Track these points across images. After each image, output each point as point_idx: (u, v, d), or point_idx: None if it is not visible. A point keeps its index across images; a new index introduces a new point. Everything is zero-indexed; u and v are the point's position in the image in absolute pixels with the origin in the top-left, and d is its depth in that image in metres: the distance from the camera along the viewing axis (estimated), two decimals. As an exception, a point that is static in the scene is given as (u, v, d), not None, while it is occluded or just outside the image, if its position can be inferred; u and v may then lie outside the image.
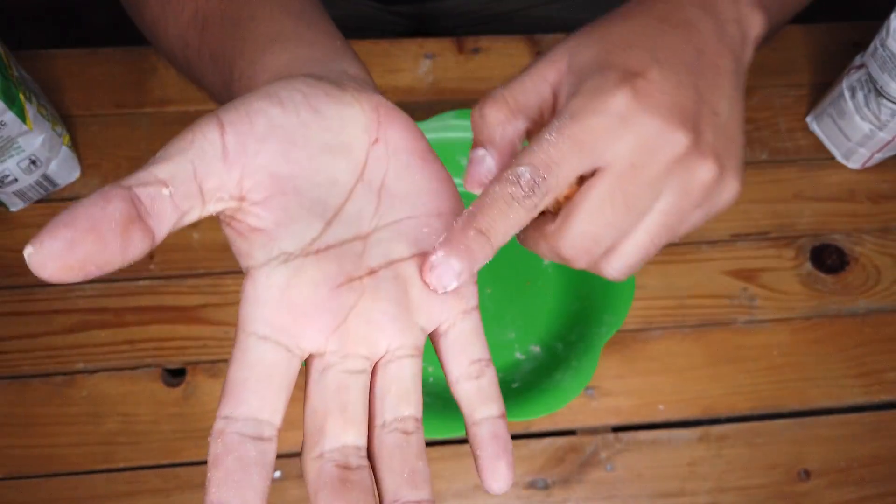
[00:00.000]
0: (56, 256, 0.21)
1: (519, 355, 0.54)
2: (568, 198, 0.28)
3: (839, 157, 0.62)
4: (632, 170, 0.27)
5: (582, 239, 0.28)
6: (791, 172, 0.62)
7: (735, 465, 0.52)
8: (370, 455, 0.25)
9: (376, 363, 0.26)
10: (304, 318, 0.25)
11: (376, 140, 0.28)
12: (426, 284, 0.27)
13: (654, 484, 0.51)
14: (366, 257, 0.27)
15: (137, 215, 0.22)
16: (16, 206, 0.57)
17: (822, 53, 0.67)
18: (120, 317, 0.55)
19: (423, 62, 0.65)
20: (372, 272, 0.26)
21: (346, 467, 0.24)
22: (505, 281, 0.56)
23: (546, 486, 0.51)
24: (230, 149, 0.25)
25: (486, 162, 0.30)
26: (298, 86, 0.27)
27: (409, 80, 0.64)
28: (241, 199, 0.25)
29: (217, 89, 0.37)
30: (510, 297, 0.56)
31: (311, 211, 0.26)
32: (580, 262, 0.29)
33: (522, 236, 0.30)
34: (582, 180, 0.28)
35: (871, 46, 0.55)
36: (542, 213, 0.29)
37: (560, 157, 0.26)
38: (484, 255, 0.26)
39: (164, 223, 0.23)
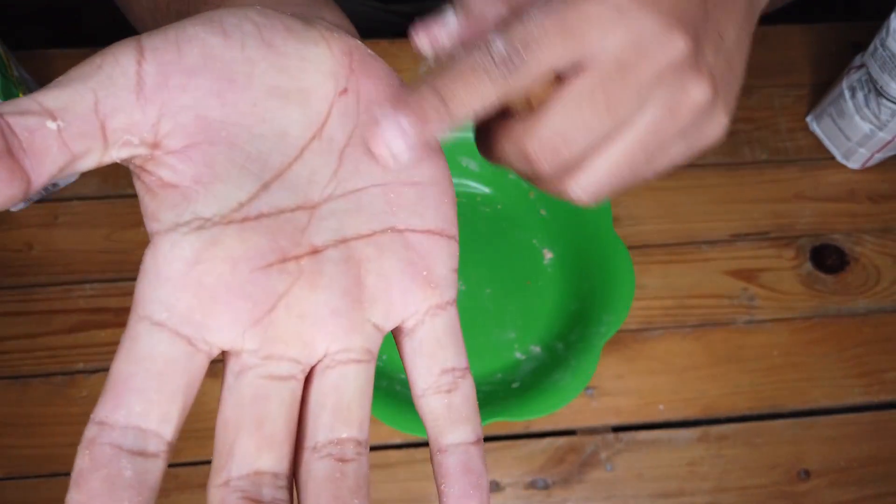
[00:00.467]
0: None
1: (519, 355, 0.54)
2: (541, 101, 0.24)
3: (839, 157, 0.62)
4: (619, 69, 0.22)
5: (552, 136, 0.23)
6: (791, 172, 0.62)
7: (735, 465, 0.52)
8: (297, 486, 0.20)
9: (312, 369, 0.21)
10: (214, 304, 0.19)
11: (345, 90, 0.23)
12: (373, 154, 0.22)
13: (654, 484, 0.51)
14: (310, 232, 0.21)
15: (7, 149, 0.17)
16: (16, 206, 0.58)
17: (822, 53, 0.67)
18: (120, 317, 0.55)
19: (423, 62, 0.65)
20: (315, 251, 0.21)
21: (256, 501, 0.19)
22: (505, 281, 0.56)
23: (546, 486, 0.51)
24: (147, 81, 0.19)
25: (449, 22, 0.25)
26: (251, 14, 0.22)
27: (409, 80, 0.64)
28: (156, 145, 0.20)
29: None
30: (510, 296, 0.56)
31: (245, 168, 0.20)
32: (544, 166, 0.24)
33: (484, 132, 0.25)
34: (559, 83, 0.24)
35: (871, 46, 0.55)
36: (509, 113, 0.25)
37: (543, 39, 0.22)
38: (439, 119, 0.22)
39: (46, 165, 0.18)
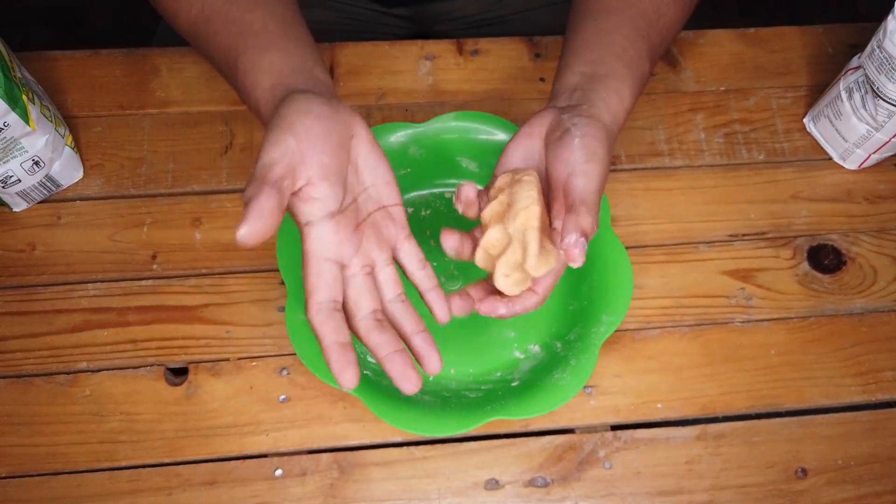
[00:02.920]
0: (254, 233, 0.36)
1: (518, 354, 0.54)
2: None
3: (836, 158, 0.63)
4: None
5: None
6: (788, 173, 0.62)
7: (733, 464, 0.52)
8: (388, 319, 0.42)
9: (373, 269, 0.42)
10: (344, 247, 0.40)
11: (353, 135, 0.42)
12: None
13: (652, 482, 0.51)
14: (359, 211, 0.42)
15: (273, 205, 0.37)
16: (19, 206, 0.58)
17: (820, 55, 0.68)
18: (122, 316, 0.55)
19: (423, 64, 0.66)
20: (365, 219, 0.42)
21: (378, 319, 0.41)
22: (504, 281, 0.56)
23: (545, 484, 0.51)
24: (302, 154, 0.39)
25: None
26: (319, 108, 0.40)
27: (410, 82, 0.65)
28: (308, 182, 0.39)
29: (222, 68, 0.49)
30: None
31: (338, 185, 0.40)
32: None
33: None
34: None
35: (868, 48, 0.55)
36: None
37: None
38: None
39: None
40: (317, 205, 0.39)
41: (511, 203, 0.42)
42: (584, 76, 0.47)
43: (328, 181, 0.39)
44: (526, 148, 0.46)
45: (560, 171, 0.43)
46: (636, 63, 0.48)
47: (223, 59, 0.48)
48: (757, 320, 0.57)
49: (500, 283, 0.42)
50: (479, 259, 0.43)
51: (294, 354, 0.54)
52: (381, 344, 0.40)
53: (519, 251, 0.42)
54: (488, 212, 0.43)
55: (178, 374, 0.54)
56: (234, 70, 0.47)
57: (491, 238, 0.42)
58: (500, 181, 0.44)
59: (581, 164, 0.42)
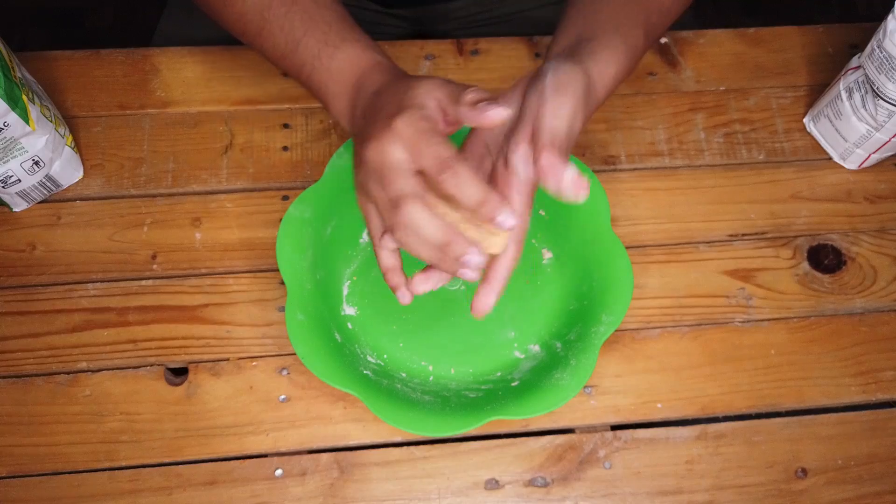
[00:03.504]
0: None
1: (518, 354, 0.54)
2: None
3: (836, 158, 0.63)
4: None
5: None
6: (788, 173, 0.62)
7: (733, 464, 0.52)
8: None
9: None
10: None
11: None
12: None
13: (652, 482, 0.51)
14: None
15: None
16: (19, 206, 0.58)
17: (820, 55, 0.68)
18: (122, 316, 0.55)
19: (423, 64, 0.66)
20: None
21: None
22: (504, 281, 0.56)
23: (545, 484, 0.51)
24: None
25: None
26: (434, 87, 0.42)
27: (410, 82, 0.64)
28: None
29: (284, 47, 0.50)
30: (509, 296, 0.56)
31: None
32: None
33: None
34: None
35: (868, 48, 0.55)
36: None
37: None
38: None
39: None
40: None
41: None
42: (573, 39, 0.47)
43: None
44: (512, 99, 0.44)
45: (531, 102, 0.42)
46: (630, 32, 0.47)
47: (295, 37, 0.49)
48: (757, 320, 0.57)
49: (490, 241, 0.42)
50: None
51: (294, 354, 0.54)
52: None
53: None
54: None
55: (178, 374, 0.54)
56: (313, 52, 0.48)
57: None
58: None
59: (551, 94, 0.41)
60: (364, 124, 0.44)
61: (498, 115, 0.39)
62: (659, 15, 0.51)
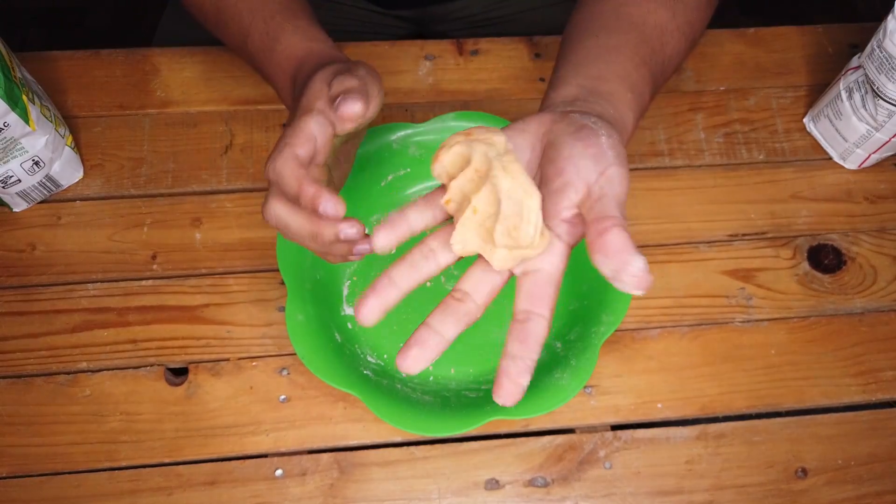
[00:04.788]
0: None
1: (518, 354, 0.54)
2: None
3: (836, 158, 0.63)
4: None
5: None
6: (788, 173, 0.62)
7: (733, 464, 0.52)
8: None
9: None
10: None
11: None
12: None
13: (652, 482, 0.51)
14: None
15: None
16: (19, 206, 0.58)
17: (820, 55, 0.68)
18: (122, 316, 0.55)
19: (423, 64, 0.66)
20: None
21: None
22: (504, 281, 0.56)
23: (545, 484, 0.51)
24: None
25: None
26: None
27: (410, 82, 0.65)
28: None
29: (238, 39, 0.50)
30: (509, 296, 0.56)
31: None
32: None
33: None
34: None
35: (868, 48, 0.55)
36: None
37: None
38: None
39: None
40: None
41: (482, 168, 0.35)
42: (585, 90, 0.42)
43: None
44: (517, 143, 0.38)
45: (587, 169, 0.35)
46: (639, 88, 0.43)
47: (243, 21, 0.49)
48: (757, 320, 0.57)
49: (498, 256, 0.36)
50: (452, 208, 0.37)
51: (294, 354, 0.54)
52: None
53: (513, 217, 0.35)
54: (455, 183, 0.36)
55: (178, 374, 0.54)
56: (262, 32, 0.48)
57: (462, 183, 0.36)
58: (453, 140, 0.37)
59: (615, 166, 0.35)
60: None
61: (347, 107, 0.39)
62: (661, 70, 0.47)
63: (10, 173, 0.54)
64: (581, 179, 0.35)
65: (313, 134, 0.39)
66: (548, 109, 0.40)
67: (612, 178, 0.35)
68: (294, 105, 0.44)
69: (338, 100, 0.39)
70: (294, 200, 0.39)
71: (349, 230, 0.38)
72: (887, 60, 0.53)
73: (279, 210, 0.39)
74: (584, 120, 0.37)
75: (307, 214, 0.39)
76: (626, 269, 0.32)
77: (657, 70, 0.46)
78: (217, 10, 0.51)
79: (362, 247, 0.39)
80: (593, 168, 0.35)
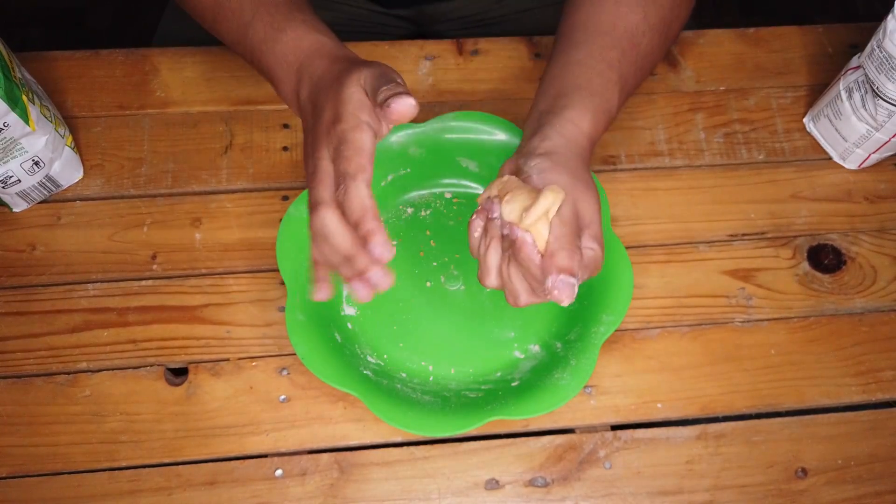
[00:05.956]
0: None
1: (518, 354, 0.54)
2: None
3: (836, 158, 0.63)
4: None
5: None
6: (788, 173, 0.62)
7: (733, 464, 0.52)
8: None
9: None
10: None
11: None
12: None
13: (652, 482, 0.51)
14: None
15: None
16: (19, 206, 0.58)
17: (820, 55, 0.68)
18: (122, 316, 0.55)
19: (423, 64, 0.66)
20: None
21: None
22: (504, 281, 0.56)
23: (545, 484, 0.51)
24: None
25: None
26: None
27: (410, 82, 0.65)
28: None
29: (236, 32, 0.50)
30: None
31: None
32: None
33: None
34: None
35: (868, 48, 0.55)
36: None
37: None
38: None
39: None
40: None
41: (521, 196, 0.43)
42: (543, 114, 0.48)
43: None
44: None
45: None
46: (600, 92, 0.48)
47: (244, 15, 0.49)
48: (757, 320, 0.57)
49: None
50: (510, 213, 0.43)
51: (294, 354, 0.54)
52: None
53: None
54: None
55: (178, 374, 0.54)
56: (265, 26, 0.48)
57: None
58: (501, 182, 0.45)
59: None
60: (310, 116, 0.45)
61: (402, 106, 0.39)
62: (635, 69, 0.51)
63: (10, 173, 0.54)
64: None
65: (373, 152, 0.41)
66: (516, 154, 0.48)
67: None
68: (301, 99, 0.45)
69: (389, 99, 0.40)
70: (343, 214, 0.40)
71: (379, 276, 0.41)
72: (887, 60, 0.53)
73: (332, 221, 0.40)
74: (525, 168, 0.45)
75: (354, 238, 0.40)
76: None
77: (628, 70, 0.50)
78: (216, 4, 0.51)
79: (363, 293, 0.42)
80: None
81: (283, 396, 0.53)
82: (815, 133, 0.64)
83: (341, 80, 0.42)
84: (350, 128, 0.40)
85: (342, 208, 0.40)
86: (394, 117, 0.40)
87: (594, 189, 0.45)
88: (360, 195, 0.39)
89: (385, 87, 0.40)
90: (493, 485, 0.51)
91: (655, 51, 0.53)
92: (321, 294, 0.44)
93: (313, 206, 0.41)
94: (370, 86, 0.41)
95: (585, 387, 0.54)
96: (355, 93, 0.42)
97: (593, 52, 0.50)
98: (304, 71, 0.46)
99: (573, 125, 0.47)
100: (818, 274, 0.59)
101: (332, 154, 0.41)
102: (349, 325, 0.55)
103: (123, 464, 0.51)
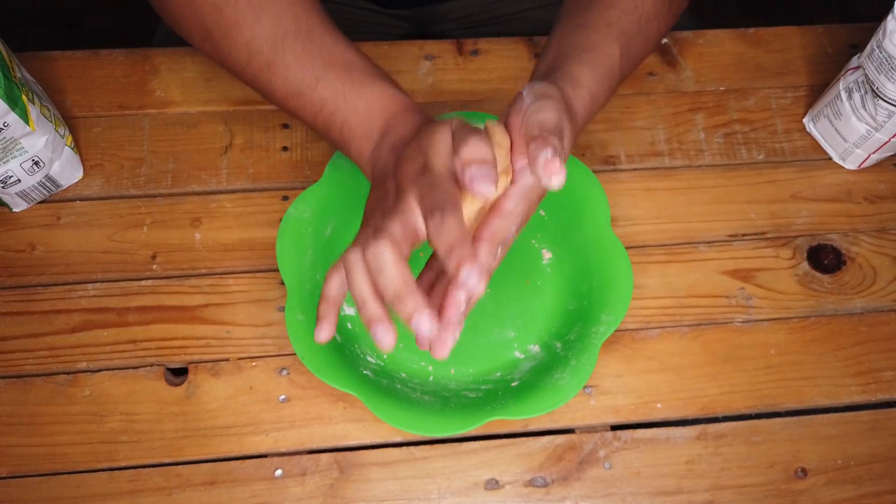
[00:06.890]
0: None
1: (518, 354, 0.54)
2: None
3: (836, 158, 0.63)
4: None
5: None
6: (788, 173, 0.62)
7: (733, 464, 0.52)
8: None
9: None
10: None
11: None
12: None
13: (652, 482, 0.51)
14: None
15: None
16: (19, 206, 0.58)
17: (820, 55, 0.68)
18: (122, 316, 0.55)
19: (423, 64, 0.66)
20: None
21: None
22: (504, 280, 0.56)
23: (545, 484, 0.51)
24: None
25: None
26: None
27: (410, 82, 0.65)
28: None
29: (300, 83, 0.48)
30: (509, 296, 0.56)
31: None
32: None
33: None
34: None
35: (868, 48, 0.55)
36: None
37: None
38: None
39: None
40: None
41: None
42: (543, 74, 0.47)
43: None
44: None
45: (514, 122, 0.41)
46: (600, 47, 0.48)
47: (297, 77, 0.48)
48: (757, 320, 0.57)
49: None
50: None
51: (294, 354, 0.54)
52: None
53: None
54: None
55: (178, 374, 0.54)
56: (332, 93, 0.48)
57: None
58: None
59: (533, 105, 0.41)
60: (392, 164, 0.44)
61: (482, 190, 0.37)
62: (637, 29, 0.51)
63: (10, 173, 0.54)
64: (514, 129, 0.42)
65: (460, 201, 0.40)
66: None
67: (531, 113, 0.40)
68: (384, 153, 0.45)
69: (469, 172, 0.38)
70: (431, 242, 0.38)
71: (421, 324, 0.37)
72: (887, 60, 0.53)
73: (393, 255, 0.37)
74: (519, 91, 0.43)
75: (405, 279, 0.37)
76: (535, 167, 0.37)
77: (631, 28, 0.50)
78: (274, 50, 0.48)
79: (388, 340, 0.38)
80: (517, 120, 0.41)
81: (282, 396, 0.53)
82: (814, 133, 0.64)
83: (433, 130, 0.41)
84: (443, 176, 0.39)
85: (430, 238, 0.37)
86: (473, 192, 0.38)
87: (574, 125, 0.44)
88: (459, 221, 0.37)
89: (466, 148, 0.39)
90: (492, 485, 0.51)
91: (660, 11, 0.52)
92: (324, 335, 0.40)
93: (376, 233, 0.38)
94: (449, 148, 0.40)
95: (585, 387, 0.54)
96: (445, 146, 0.41)
97: (592, 15, 0.50)
98: (391, 129, 0.45)
99: (571, 80, 0.46)
100: (818, 274, 0.59)
101: (418, 193, 0.39)
102: (349, 325, 0.55)
103: (123, 464, 0.51)
